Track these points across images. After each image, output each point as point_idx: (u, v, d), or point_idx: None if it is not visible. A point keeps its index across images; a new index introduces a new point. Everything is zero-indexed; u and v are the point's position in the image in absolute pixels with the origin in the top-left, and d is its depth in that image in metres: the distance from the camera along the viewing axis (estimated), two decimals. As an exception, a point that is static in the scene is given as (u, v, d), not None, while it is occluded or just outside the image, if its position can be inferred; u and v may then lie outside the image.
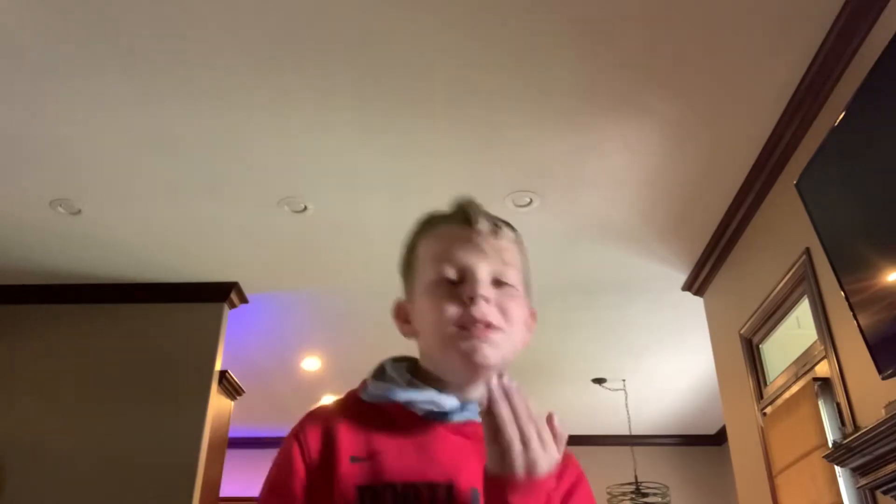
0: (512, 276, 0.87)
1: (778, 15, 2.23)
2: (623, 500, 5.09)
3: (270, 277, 3.87)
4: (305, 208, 3.23)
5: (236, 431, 4.83)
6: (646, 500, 5.04)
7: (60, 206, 3.20)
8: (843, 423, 2.39)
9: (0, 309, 3.90)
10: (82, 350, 3.82)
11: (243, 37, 2.33)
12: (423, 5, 2.21)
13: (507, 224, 0.91)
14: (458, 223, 0.88)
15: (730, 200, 3.17)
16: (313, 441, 0.83)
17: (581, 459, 0.91)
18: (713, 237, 3.44)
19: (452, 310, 0.83)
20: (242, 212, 3.27)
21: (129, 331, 3.87)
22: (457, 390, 0.85)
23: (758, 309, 3.09)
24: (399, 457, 0.81)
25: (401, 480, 0.79)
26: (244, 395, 4.32)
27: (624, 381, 5.19)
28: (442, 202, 0.93)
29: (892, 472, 1.92)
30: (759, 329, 3.18)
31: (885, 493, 2.03)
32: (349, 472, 0.80)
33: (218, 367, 3.83)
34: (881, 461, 1.96)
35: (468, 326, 0.82)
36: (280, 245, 3.55)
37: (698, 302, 3.88)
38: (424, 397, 0.83)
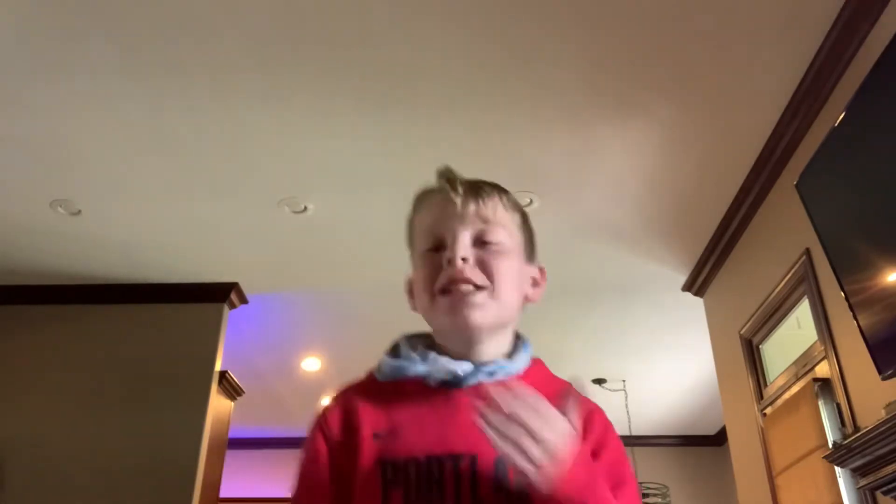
0: (497, 233, 0.87)
1: (778, 15, 2.23)
2: (623, 500, 5.09)
3: (270, 277, 3.87)
4: (305, 208, 3.23)
5: (236, 432, 4.82)
6: (646, 500, 5.04)
7: (60, 206, 3.20)
8: (843, 423, 2.39)
9: (0, 309, 3.90)
10: (82, 350, 3.82)
11: (243, 37, 2.33)
12: (423, 6, 2.21)
13: (496, 186, 0.92)
14: (441, 193, 0.89)
15: (730, 200, 3.17)
16: (334, 424, 0.84)
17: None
18: (713, 237, 3.44)
19: (434, 275, 0.85)
20: (242, 212, 3.27)
21: (129, 331, 3.86)
22: (465, 356, 0.85)
23: (758, 309, 3.09)
24: (420, 429, 0.81)
25: (423, 453, 0.79)
26: (244, 395, 4.32)
27: (624, 381, 5.19)
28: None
29: (893, 472, 1.92)
30: (759, 329, 3.17)
31: (885, 493, 2.03)
32: (371, 448, 0.80)
33: (218, 367, 3.83)
34: (881, 462, 1.96)
35: (449, 289, 0.83)
36: (280, 245, 3.55)
37: (698, 302, 3.88)
38: (437, 366, 0.84)
